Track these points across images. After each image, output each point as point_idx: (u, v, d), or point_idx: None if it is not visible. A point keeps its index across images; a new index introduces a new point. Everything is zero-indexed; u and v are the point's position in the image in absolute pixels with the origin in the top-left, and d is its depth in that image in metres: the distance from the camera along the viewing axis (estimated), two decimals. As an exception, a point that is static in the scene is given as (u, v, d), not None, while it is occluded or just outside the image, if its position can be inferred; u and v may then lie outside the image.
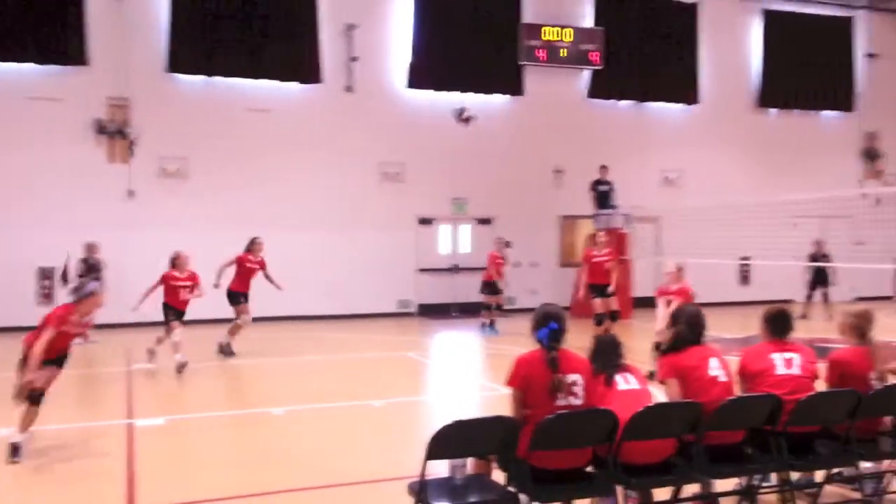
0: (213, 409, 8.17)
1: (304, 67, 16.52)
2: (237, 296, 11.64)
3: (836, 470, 4.86)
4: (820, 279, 16.17)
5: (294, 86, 16.68)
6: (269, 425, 7.53)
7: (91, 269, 13.14)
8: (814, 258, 16.04)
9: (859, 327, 4.89)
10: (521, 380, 4.08)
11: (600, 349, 4.48)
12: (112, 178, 15.55)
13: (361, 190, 17.12)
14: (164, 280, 10.51)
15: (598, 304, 12.19)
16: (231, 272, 11.71)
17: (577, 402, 4.05)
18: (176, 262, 10.69)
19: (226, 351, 11.50)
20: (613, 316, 12.31)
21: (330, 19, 16.86)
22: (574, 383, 4.05)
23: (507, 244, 15.00)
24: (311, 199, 16.70)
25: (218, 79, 16.17)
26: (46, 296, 14.86)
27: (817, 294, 16.37)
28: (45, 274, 14.93)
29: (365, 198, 17.12)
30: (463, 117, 15.51)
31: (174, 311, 10.45)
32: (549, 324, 4.11)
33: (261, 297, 16.16)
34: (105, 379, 10.32)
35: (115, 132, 15.52)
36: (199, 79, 16.14)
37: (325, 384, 9.69)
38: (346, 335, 14.18)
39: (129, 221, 15.40)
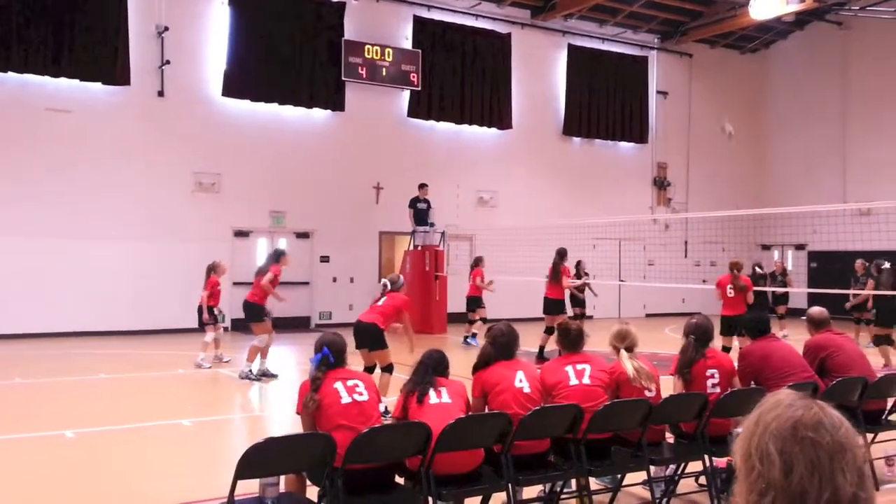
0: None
1: (111, 68, 15.57)
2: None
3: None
4: None
5: (99, 87, 15.68)
6: (63, 449, 6.99)
7: None
8: None
9: (614, 345, 5.38)
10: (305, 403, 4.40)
11: (416, 369, 4.68)
12: None
13: (174, 199, 16.39)
14: None
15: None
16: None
17: (362, 398, 4.39)
18: None
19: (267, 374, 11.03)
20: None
21: (140, 18, 16.04)
22: (356, 385, 4.43)
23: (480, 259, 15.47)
24: (118, 209, 15.75)
25: (12, 75, 14.90)
26: None
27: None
28: None
29: (177, 208, 16.40)
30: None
31: None
32: (322, 349, 4.49)
33: (62, 311, 15.10)
34: None
35: None
36: (-10, 73, 14.81)
37: (130, 403, 9.14)
38: (156, 351, 13.49)
39: None
